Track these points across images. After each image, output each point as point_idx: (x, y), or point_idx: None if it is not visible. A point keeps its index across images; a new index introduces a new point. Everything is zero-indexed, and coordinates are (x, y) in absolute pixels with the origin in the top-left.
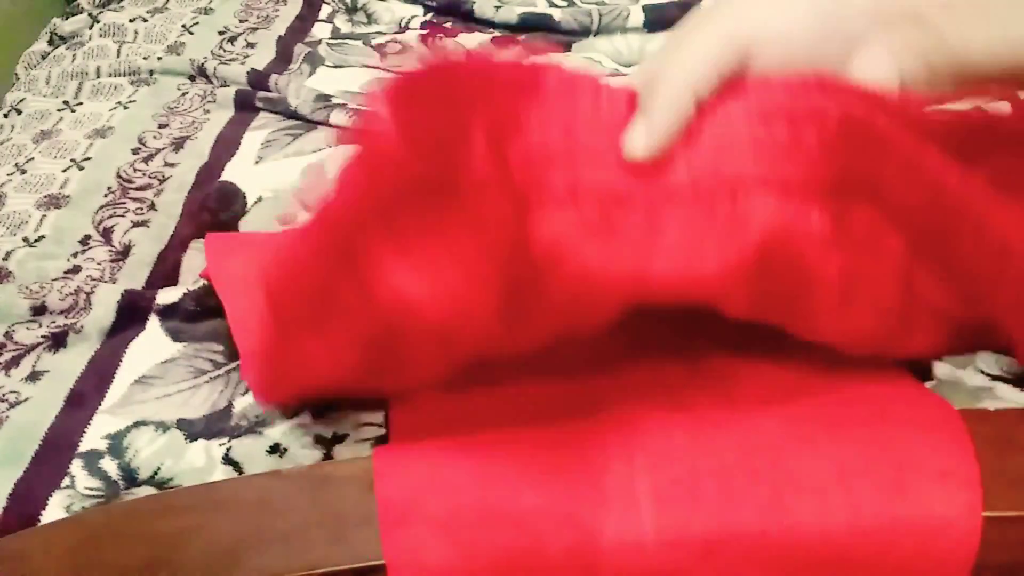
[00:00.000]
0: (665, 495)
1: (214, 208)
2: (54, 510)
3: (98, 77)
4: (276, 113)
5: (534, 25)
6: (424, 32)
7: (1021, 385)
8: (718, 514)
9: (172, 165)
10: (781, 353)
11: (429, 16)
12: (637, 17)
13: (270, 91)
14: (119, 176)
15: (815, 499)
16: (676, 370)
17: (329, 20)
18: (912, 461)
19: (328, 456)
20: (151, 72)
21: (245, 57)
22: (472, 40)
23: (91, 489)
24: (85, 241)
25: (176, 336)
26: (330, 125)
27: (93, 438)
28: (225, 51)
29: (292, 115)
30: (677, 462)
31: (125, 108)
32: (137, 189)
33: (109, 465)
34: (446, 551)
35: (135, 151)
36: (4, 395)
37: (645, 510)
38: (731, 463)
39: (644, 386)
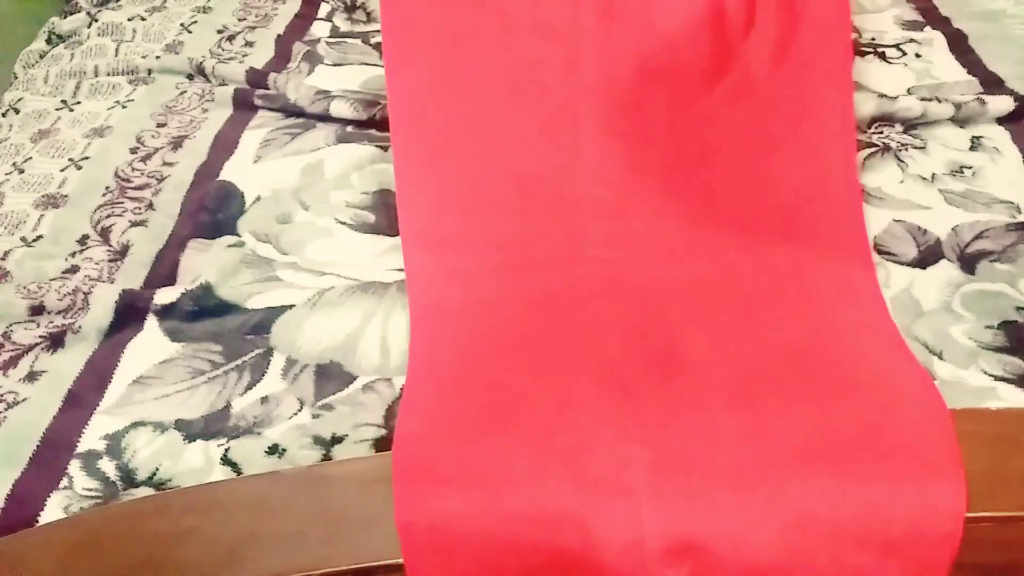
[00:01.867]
0: (667, 497)
1: (212, 207)
2: (52, 511)
3: (96, 76)
4: (275, 111)
5: None
6: None
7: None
8: (718, 515)
9: (170, 164)
10: (785, 356)
11: None
12: None
13: (269, 90)
14: (117, 175)
15: (816, 504)
16: (679, 371)
17: (328, 18)
18: (902, 453)
19: (327, 457)
20: (149, 71)
21: (244, 56)
22: None
23: (89, 490)
24: (83, 241)
25: (174, 336)
26: (330, 118)
27: (91, 438)
28: (224, 50)
29: (291, 112)
30: (680, 463)
31: (123, 107)
32: (135, 188)
33: (107, 466)
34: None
35: (133, 150)
36: (2, 395)
37: (646, 511)
38: (734, 466)
39: (647, 387)
